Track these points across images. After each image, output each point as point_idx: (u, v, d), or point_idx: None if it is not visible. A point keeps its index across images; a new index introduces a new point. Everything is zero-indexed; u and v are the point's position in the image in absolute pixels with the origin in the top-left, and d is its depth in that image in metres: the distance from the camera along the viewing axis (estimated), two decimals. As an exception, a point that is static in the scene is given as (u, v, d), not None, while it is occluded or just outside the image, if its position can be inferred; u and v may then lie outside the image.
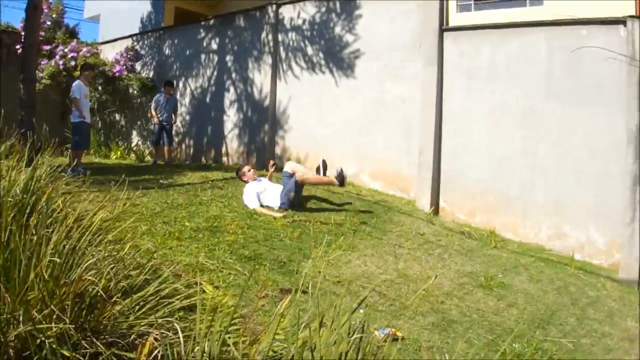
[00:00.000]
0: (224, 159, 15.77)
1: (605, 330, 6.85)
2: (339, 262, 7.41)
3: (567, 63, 9.71)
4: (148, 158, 16.60)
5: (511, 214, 10.29)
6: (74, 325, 3.21)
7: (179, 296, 3.91)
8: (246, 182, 9.99)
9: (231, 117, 15.66)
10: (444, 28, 11.25)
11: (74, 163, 11.08)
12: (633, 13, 9.26)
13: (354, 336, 3.16)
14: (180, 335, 3.16)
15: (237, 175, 10.52)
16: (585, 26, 9.57)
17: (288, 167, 9.81)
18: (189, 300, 3.89)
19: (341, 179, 9.59)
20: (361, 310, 5.89)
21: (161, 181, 10.58)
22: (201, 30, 16.83)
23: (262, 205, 9.36)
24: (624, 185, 9.08)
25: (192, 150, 16.96)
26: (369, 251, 7.98)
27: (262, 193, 9.55)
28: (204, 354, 2.92)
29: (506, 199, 10.35)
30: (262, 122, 14.70)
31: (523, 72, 10.27)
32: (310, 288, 5.44)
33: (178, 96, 16.68)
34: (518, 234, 10.16)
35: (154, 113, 14.52)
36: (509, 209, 10.31)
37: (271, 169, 10.54)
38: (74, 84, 11.99)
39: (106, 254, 4.03)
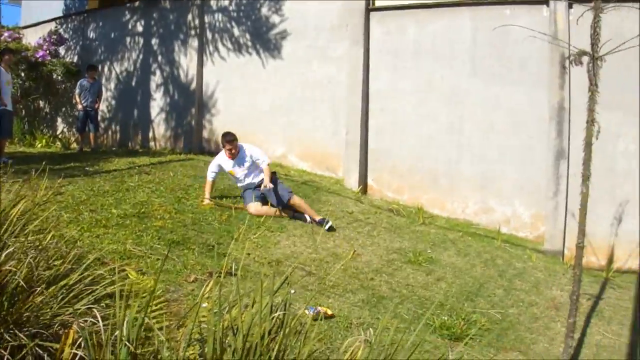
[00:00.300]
0: (152, 143, 15.49)
1: (531, 299, 7.01)
2: (268, 243, 7.40)
3: (492, 42, 9.83)
4: (74, 145, 16.17)
5: (438, 190, 10.41)
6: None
7: (103, 283, 3.84)
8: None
9: (158, 101, 15.38)
10: (370, 8, 11.25)
11: None
12: (556, -7, 9.44)
13: (277, 314, 3.15)
14: (100, 321, 3.09)
15: (224, 142, 9.09)
16: (509, 6, 9.72)
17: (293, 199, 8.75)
18: (113, 287, 3.81)
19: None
20: (292, 291, 5.88)
21: (87, 168, 10.35)
22: (126, 13, 16.41)
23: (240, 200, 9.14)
24: (547, 160, 9.28)
25: (118, 136, 16.62)
26: (298, 231, 7.97)
27: (240, 179, 9.07)
28: (123, 339, 2.86)
29: (433, 176, 10.46)
30: (189, 106, 14.50)
31: (448, 51, 10.37)
32: (234, 270, 5.41)
33: (103, 80, 16.30)
34: (445, 209, 10.30)
35: (78, 99, 14.17)
36: (436, 186, 10.43)
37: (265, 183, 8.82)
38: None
39: (28, 244, 3.92)
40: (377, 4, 11.32)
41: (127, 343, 2.82)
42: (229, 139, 8.99)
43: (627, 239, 8.70)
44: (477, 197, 10.02)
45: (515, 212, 9.72)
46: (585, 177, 5.04)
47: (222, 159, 9.11)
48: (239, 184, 9.17)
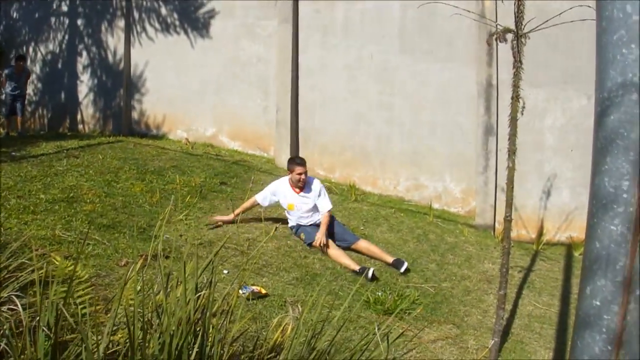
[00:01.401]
0: (80, 126, 15.13)
1: (464, 273, 7.11)
2: (200, 224, 7.31)
3: (421, 20, 9.85)
4: (0, 130, 15.74)
5: (370, 167, 10.43)
6: None
7: (27, 270, 3.74)
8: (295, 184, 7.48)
9: (85, 83, 14.97)
10: (299, -15, 11.18)
11: None
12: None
13: (202, 292, 3.10)
14: (20, 308, 3.01)
15: (294, 164, 7.50)
16: (438, -16, 9.78)
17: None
18: (38, 274, 3.72)
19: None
20: (226, 271, 5.83)
21: (13, 153, 10.02)
22: (50, -8, 15.99)
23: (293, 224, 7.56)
24: (476, 135, 9.38)
25: (46, 119, 16.19)
26: (230, 212, 7.88)
27: (301, 216, 7.49)
28: (41, 324, 2.75)
29: (364, 153, 10.47)
30: (118, 87, 14.16)
31: (378, 28, 10.35)
32: (165, 252, 5.31)
33: (28, 62, 15.84)
34: (377, 186, 10.33)
35: (4, 84, 13.82)
36: (368, 163, 10.45)
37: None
38: None
39: None
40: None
41: (45, 329, 2.71)
42: (300, 162, 7.50)
43: (556, 212, 8.90)
44: (409, 173, 10.08)
45: (446, 188, 9.82)
46: (511, 152, 5.12)
47: (284, 187, 7.57)
48: (295, 221, 7.54)
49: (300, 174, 7.30)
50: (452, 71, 9.69)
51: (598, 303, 1.66)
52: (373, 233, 7.96)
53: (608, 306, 1.64)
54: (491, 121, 9.24)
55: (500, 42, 5.13)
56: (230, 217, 7.41)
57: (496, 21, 8.99)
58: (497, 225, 8.98)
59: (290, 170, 7.47)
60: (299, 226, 7.42)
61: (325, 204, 7.40)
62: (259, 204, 7.60)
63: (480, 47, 9.27)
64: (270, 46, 11.51)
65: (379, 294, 5.96)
